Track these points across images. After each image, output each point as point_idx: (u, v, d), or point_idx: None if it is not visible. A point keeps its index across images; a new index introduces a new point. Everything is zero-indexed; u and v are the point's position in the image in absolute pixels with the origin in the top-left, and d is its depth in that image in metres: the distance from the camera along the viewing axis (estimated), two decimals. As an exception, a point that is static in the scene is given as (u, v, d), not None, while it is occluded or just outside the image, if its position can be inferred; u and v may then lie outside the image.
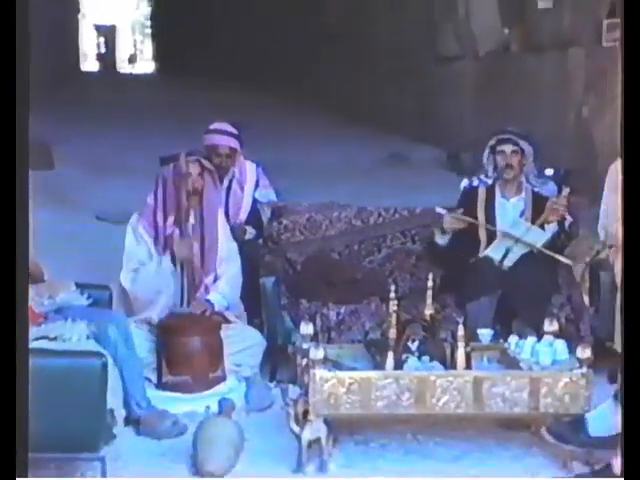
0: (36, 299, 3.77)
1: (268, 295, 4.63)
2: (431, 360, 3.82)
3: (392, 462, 3.74)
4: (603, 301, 4.61)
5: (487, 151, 4.91)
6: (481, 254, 4.73)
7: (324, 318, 4.53)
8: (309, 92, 14.72)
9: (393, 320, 3.86)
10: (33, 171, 2.72)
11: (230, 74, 18.54)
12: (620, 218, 4.55)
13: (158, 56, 27.87)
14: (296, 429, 3.64)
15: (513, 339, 3.98)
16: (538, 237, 4.71)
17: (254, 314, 4.69)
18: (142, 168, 7.19)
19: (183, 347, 4.21)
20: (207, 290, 4.48)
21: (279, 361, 4.55)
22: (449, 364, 3.80)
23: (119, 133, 10.79)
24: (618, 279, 4.53)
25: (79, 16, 23.58)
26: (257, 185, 5.29)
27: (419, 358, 3.82)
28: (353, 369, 3.81)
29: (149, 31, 31.22)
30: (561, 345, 3.84)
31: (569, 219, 4.82)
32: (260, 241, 5.12)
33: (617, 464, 3.42)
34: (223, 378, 4.26)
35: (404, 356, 3.81)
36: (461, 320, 3.84)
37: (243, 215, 5.21)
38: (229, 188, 5.19)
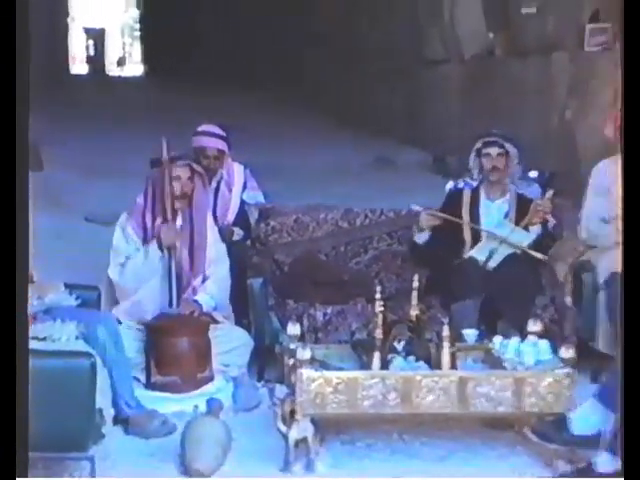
0: (25, 300, 3.75)
1: (256, 296, 4.63)
2: (417, 360, 3.82)
3: (378, 461, 3.74)
4: (586, 302, 4.63)
5: (473, 154, 4.92)
6: (466, 255, 4.74)
7: (311, 319, 4.53)
8: (298, 95, 14.72)
9: (379, 320, 3.86)
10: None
11: (218, 77, 18.52)
12: (619, 216, 4.60)
13: (147, 59, 27.83)
14: (283, 428, 3.63)
15: (497, 339, 3.98)
16: (522, 238, 4.72)
17: (242, 315, 4.68)
18: (131, 170, 7.17)
19: (172, 347, 4.20)
20: (195, 291, 4.47)
21: (266, 361, 4.54)
22: (434, 364, 3.80)
23: (108, 135, 10.77)
24: (600, 280, 4.55)
25: (69, 19, 23.52)
26: (245, 187, 5.29)
27: (405, 358, 3.82)
28: (340, 369, 3.81)
29: (138, 34, 31.19)
30: (545, 345, 3.85)
31: (553, 221, 4.83)
32: (248, 242, 5.12)
33: (600, 462, 3.44)
34: (211, 378, 4.25)
35: (390, 356, 3.81)
36: (446, 321, 3.84)
37: (231, 216, 5.21)
38: (217, 190, 5.19)
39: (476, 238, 4.79)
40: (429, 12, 10.23)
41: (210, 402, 3.98)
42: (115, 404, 3.84)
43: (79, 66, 26.98)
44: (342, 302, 4.63)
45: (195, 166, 4.56)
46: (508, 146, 4.86)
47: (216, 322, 4.42)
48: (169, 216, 4.41)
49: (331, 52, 13.66)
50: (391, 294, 4.59)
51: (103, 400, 3.59)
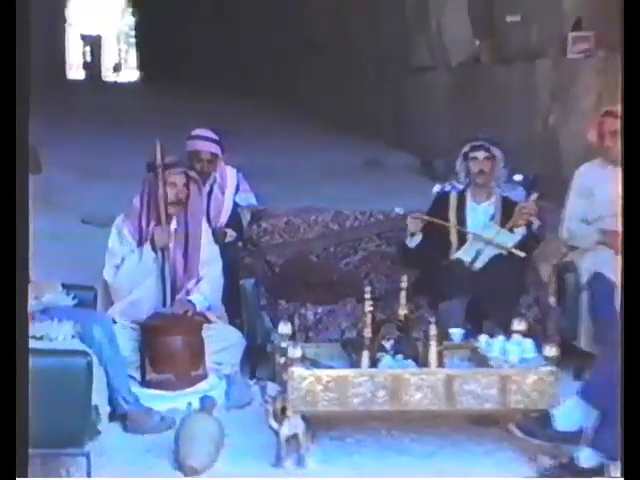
0: (23, 299, 3.74)
1: (248, 296, 4.62)
2: (405, 358, 3.82)
3: (368, 457, 3.74)
4: (568, 302, 4.63)
5: (460, 158, 4.93)
6: (453, 257, 4.74)
7: (302, 318, 4.52)
8: (290, 101, 14.72)
9: (368, 320, 3.86)
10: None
11: (212, 83, 18.50)
12: (602, 218, 4.62)
13: (142, 65, 27.80)
14: (275, 425, 3.63)
15: (483, 338, 3.99)
16: (507, 240, 4.73)
17: (234, 314, 4.67)
18: (127, 173, 7.14)
19: (166, 346, 4.19)
20: (189, 292, 4.47)
21: (258, 359, 4.54)
22: (422, 362, 3.79)
23: (104, 139, 10.74)
24: (583, 280, 4.55)
25: (66, 26, 23.47)
26: (237, 189, 5.29)
27: (393, 357, 3.82)
28: (330, 367, 3.80)
29: (133, 41, 31.15)
30: (529, 344, 3.85)
31: (537, 223, 4.84)
32: (240, 244, 5.11)
33: (582, 457, 3.45)
34: (204, 376, 4.24)
35: (379, 355, 3.81)
36: (434, 320, 3.84)
37: (224, 218, 5.20)
38: (210, 192, 5.18)
39: (462, 240, 4.79)
40: (417, 21, 10.24)
41: (203, 399, 3.97)
42: (113, 400, 3.84)
43: (76, 72, 26.93)
44: (332, 302, 4.63)
45: (191, 173, 4.56)
46: (494, 150, 4.87)
47: (209, 322, 4.41)
48: (163, 220, 4.40)
49: (323, 60, 13.66)
50: (380, 294, 4.59)
51: (99, 398, 3.59)
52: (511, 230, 4.75)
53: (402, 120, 10.95)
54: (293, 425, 3.62)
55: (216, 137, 5.19)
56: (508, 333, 3.92)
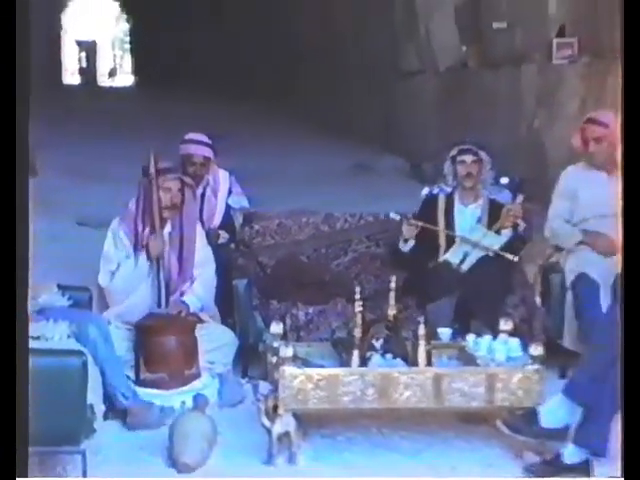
0: (19, 300, 3.73)
1: (240, 296, 4.61)
2: (394, 357, 3.82)
3: (358, 454, 3.73)
4: (554, 302, 4.64)
5: (448, 161, 4.93)
6: (441, 258, 4.75)
7: (293, 318, 4.52)
8: (282, 106, 14.73)
9: (358, 320, 3.86)
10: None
11: (206, 88, 18.50)
12: (587, 220, 4.62)
13: (137, 70, 27.78)
14: (267, 423, 3.62)
15: (471, 337, 3.99)
16: (494, 242, 4.73)
17: (227, 314, 4.66)
18: (122, 176, 7.15)
19: (160, 346, 4.18)
20: (183, 294, 4.46)
21: (251, 359, 4.53)
22: (411, 361, 3.79)
23: (100, 143, 10.73)
24: (568, 281, 4.56)
25: (61, 32, 23.43)
26: (230, 192, 5.28)
27: (383, 356, 3.82)
28: (321, 366, 3.80)
29: (128, 46, 31.12)
30: (515, 343, 3.85)
31: (523, 224, 4.84)
32: (233, 245, 5.10)
33: (566, 454, 3.45)
34: (198, 375, 4.23)
35: (369, 354, 3.81)
36: (422, 320, 3.84)
37: (217, 220, 5.19)
38: (203, 195, 5.17)
39: (450, 242, 4.79)
40: (406, 27, 10.25)
41: (197, 398, 3.96)
42: (112, 397, 3.84)
43: (72, 77, 26.89)
44: (323, 302, 4.62)
45: (185, 179, 4.55)
46: (481, 153, 4.88)
47: (202, 322, 4.40)
48: (157, 225, 4.39)
49: (314, 65, 13.67)
50: (370, 294, 4.58)
51: (94, 396, 3.58)
52: (498, 232, 4.76)
53: (391, 124, 10.97)
54: (285, 423, 3.61)
55: (209, 141, 5.19)
56: (495, 332, 3.93)
